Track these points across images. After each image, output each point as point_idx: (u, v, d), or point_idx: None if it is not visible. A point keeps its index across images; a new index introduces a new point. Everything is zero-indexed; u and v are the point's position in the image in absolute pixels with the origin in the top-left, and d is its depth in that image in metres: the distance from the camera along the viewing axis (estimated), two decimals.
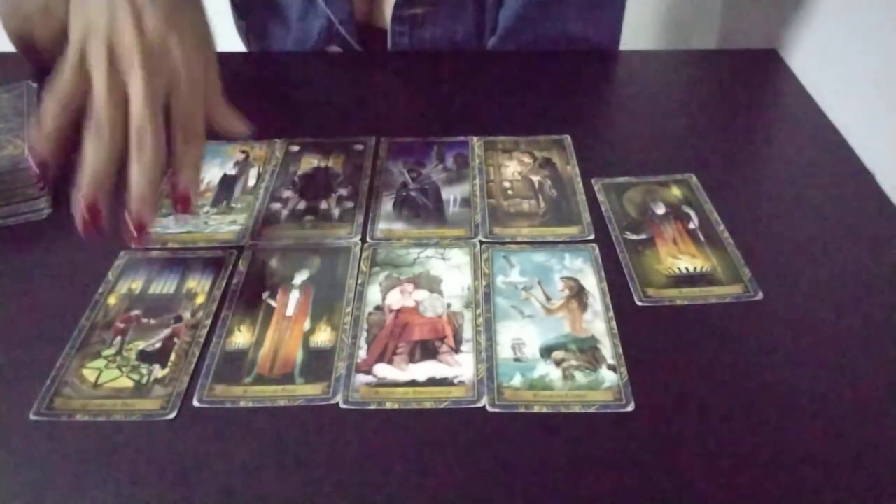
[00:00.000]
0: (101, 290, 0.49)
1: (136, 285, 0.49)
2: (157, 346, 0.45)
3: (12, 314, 0.47)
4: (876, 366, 0.43)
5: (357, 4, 0.74)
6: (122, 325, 0.46)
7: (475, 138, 0.63)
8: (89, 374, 0.43)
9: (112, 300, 0.48)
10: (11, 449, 0.40)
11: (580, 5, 0.74)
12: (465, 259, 0.51)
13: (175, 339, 0.45)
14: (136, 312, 0.47)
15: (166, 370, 0.43)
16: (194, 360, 0.44)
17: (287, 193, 0.57)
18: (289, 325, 0.46)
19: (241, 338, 0.45)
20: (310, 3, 0.73)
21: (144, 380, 0.43)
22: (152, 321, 0.46)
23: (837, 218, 0.54)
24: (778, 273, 0.49)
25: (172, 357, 0.44)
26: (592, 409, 0.41)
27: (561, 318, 0.46)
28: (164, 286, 0.49)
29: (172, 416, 0.41)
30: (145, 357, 0.44)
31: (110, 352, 0.45)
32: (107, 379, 0.43)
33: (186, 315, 0.47)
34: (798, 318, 0.46)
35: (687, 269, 0.50)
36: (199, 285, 0.49)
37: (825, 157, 0.61)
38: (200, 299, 0.48)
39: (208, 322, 0.46)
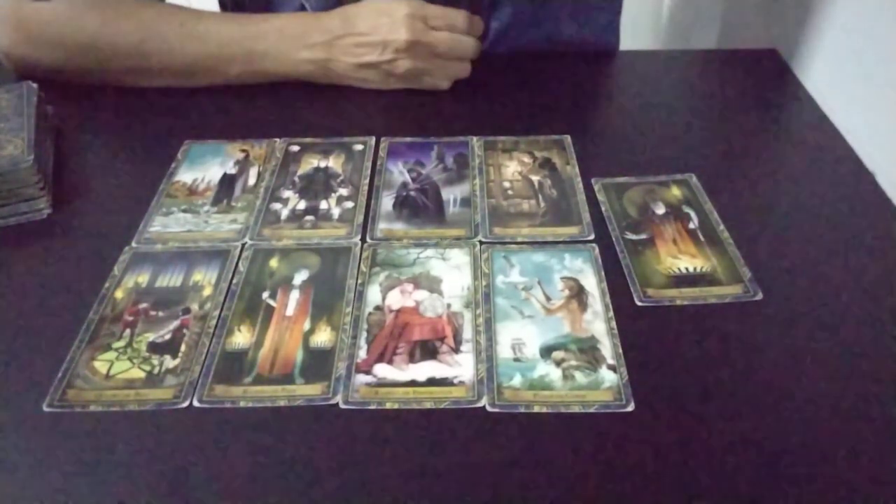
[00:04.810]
0: (107, 285, 0.49)
1: (143, 279, 0.49)
2: (167, 337, 0.45)
3: (18, 311, 0.48)
4: (876, 365, 0.43)
5: None
6: (130, 318, 0.47)
7: (475, 138, 0.63)
8: (101, 366, 0.44)
9: (119, 294, 0.48)
10: (26, 440, 0.40)
11: (572, 9, 0.74)
12: (465, 259, 0.51)
13: (184, 331, 0.46)
14: (143, 305, 0.47)
15: (177, 360, 0.44)
16: (205, 350, 0.44)
17: (287, 193, 0.57)
18: (289, 325, 0.46)
19: (241, 338, 0.45)
20: (301, 9, 0.73)
21: (156, 370, 0.43)
22: (160, 313, 0.47)
23: (837, 218, 0.54)
24: (778, 273, 0.49)
25: (183, 348, 0.45)
26: (592, 409, 0.41)
27: (561, 318, 0.46)
28: (171, 279, 0.49)
29: (186, 404, 0.41)
30: (155, 348, 0.45)
31: (120, 344, 0.45)
32: (118, 370, 0.43)
33: (194, 307, 0.47)
34: (798, 318, 0.46)
35: (687, 269, 0.50)
36: (204, 278, 0.49)
37: (825, 157, 0.61)
38: (207, 291, 0.48)
39: (216, 313, 0.47)
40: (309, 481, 0.38)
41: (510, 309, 0.47)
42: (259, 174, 0.59)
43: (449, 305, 0.47)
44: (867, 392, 0.42)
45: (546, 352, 0.44)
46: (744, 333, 0.45)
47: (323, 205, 0.56)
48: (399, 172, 0.59)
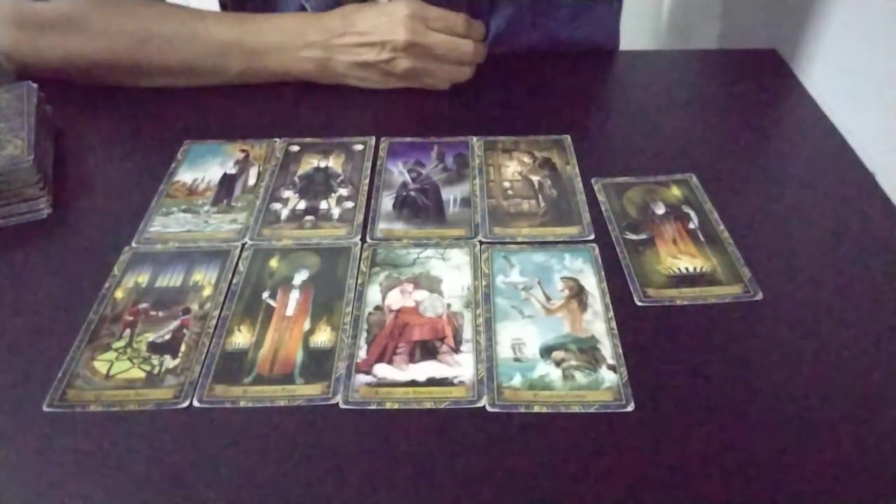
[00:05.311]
0: (107, 285, 0.49)
1: (143, 279, 0.49)
2: (167, 337, 0.45)
3: (18, 311, 0.48)
4: (876, 365, 0.43)
5: None
6: (130, 318, 0.47)
7: (475, 138, 0.63)
8: (101, 366, 0.44)
9: (119, 294, 0.48)
10: (26, 440, 0.40)
11: (572, 9, 0.74)
12: (465, 259, 0.51)
13: (184, 331, 0.46)
14: (143, 305, 0.47)
15: (177, 360, 0.44)
16: (205, 350, 0.44)
17: (287, 193, 0.57)
18: (289, 325, 0.46)
19: (241, 338, 0.45)
20: (301, 9, 0.73)
21: (156, 370, 0.43)
22: (160, 313, 0.47)
23: (838, 218, 0.54)
24: (778, 273, 0.49)
25: (183, 348, 0.45)
26: (592, 409, 0.41)
27: (561, 318, 0.46)
28: (171, 279, 0.49)
29: (186, 404, 0.41)
30: (155, 348, 0.45)
31: (120, 344, 0.45)
32: (118, 370, 0.43)
33: (194, 307, 0.47)
34: (798, 318, 0.46)
35: (687, 269, 0.50)
36: (204, 278, 0.49)
37: (825, 157, 0.61)
38: (207, 291, 0.48)
39: (216, 313, 0.47)
40: (309, 481, 0.38)
41: (510, 309, 0.47)
42: (259, 174, 0.59)
43: (449, 305, 0.47)
44: (868, 392, 0.42)
45: (546, 352, 0.44)
46: (744, 333, 0.45)
47: (323, 205, 0.56)
48: (399, 172, 0.59)
